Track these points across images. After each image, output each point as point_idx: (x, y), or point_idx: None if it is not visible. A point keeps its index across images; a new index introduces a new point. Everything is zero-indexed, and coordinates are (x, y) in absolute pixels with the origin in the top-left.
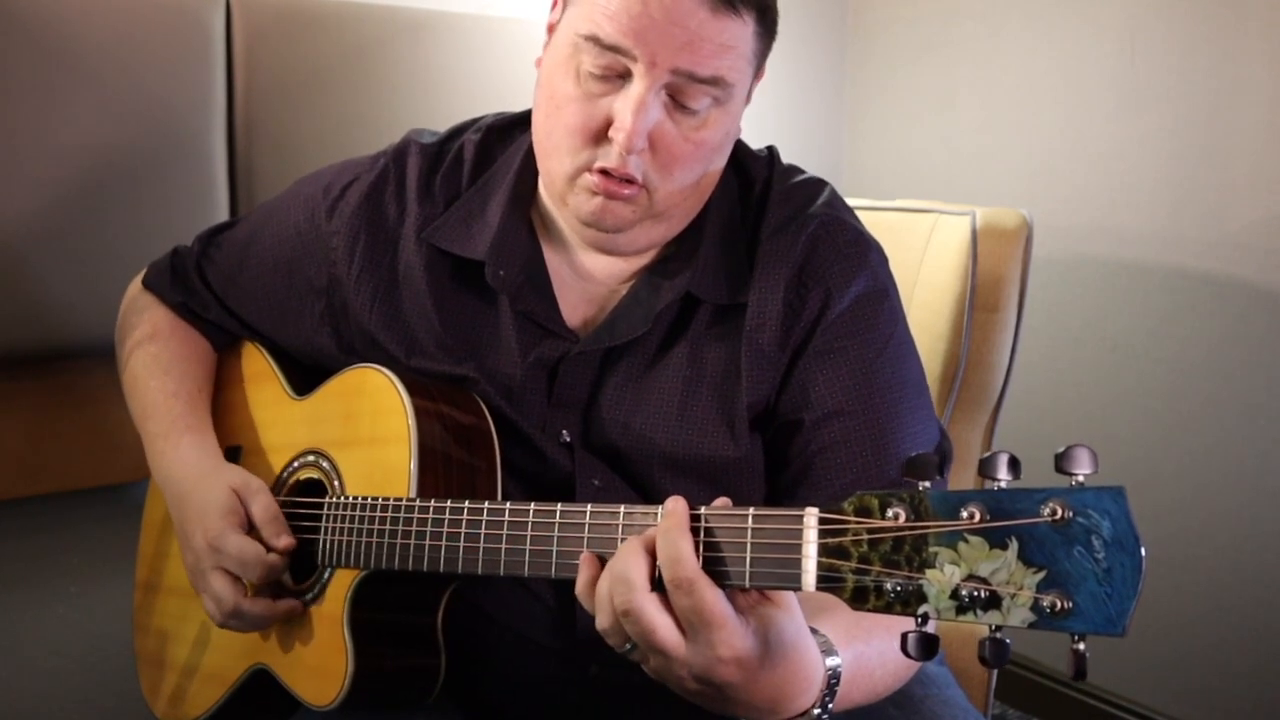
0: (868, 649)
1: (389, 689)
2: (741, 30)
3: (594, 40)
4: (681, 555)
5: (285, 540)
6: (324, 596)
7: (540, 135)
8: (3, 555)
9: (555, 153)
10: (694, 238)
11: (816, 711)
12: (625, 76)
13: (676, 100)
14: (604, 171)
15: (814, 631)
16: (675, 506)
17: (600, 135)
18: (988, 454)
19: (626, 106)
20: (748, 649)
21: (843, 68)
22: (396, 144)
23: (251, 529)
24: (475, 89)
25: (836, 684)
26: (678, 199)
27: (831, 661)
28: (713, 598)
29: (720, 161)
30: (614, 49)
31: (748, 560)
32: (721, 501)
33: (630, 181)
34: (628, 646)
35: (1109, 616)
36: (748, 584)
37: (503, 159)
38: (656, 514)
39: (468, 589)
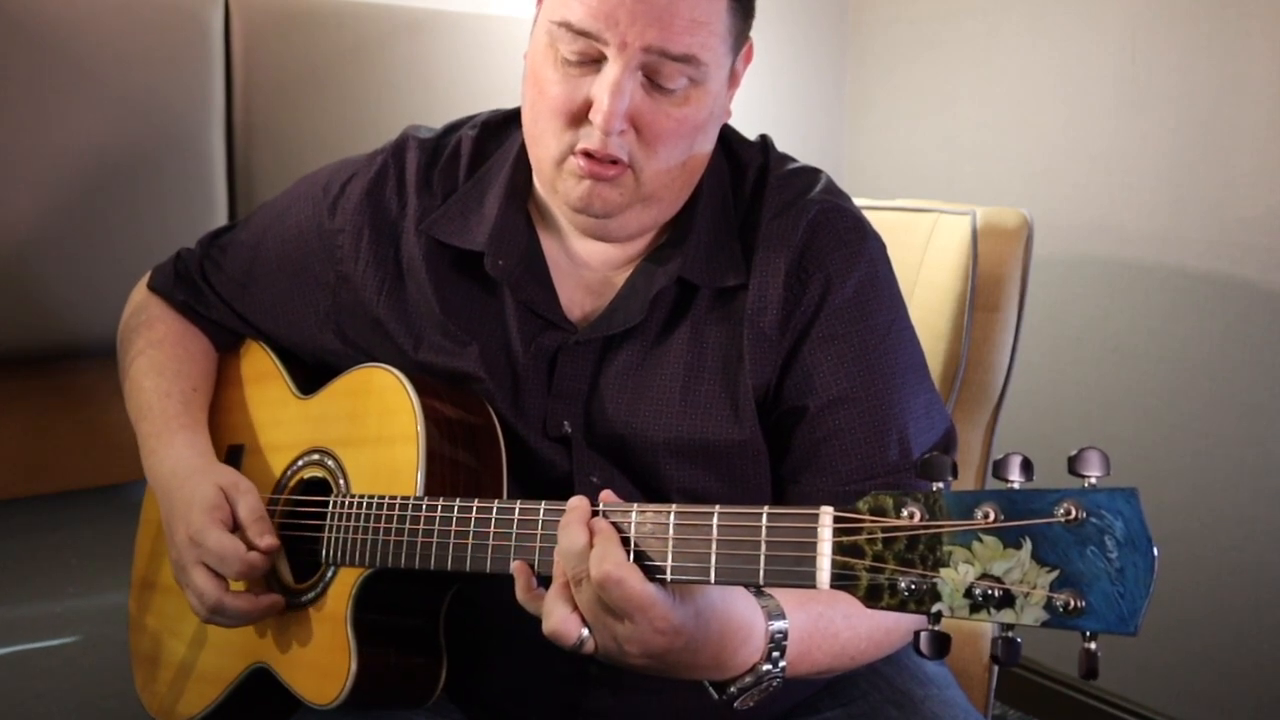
0: (830, 611)
1: (390, 689)
2: (712, 6)
3: (566, 26)
4: (608, 555)
5: (268, 540)
6: (327, 595)
7: (528, 123)
8: (3, 555)
9: (541, 137)
10: (687, 223)
11: (766, 667)
12: (600, 60)
13: (653, 81)
14: (588, 154)
15: (764, 594)
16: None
17: (581, 117)
18: (1001, 456)
19: (603, 89)
20: (680, 619)
21: (843, 66)
22: (394, 139)
23: (237, 528)
24: (473, 87)
25: (784, 641)
26: (665, 180)
27: (777, 624)
28: (639, 586)
29: (706, 144)
30: (585, 34)
31: (762, 558)
32: (606, 494)
33: (614, 162)
34: (581, 636)
35: (1121, 616)
36: (761, 582)
37: (498, 153)
38: (669, 513)
39: (469, 589)
